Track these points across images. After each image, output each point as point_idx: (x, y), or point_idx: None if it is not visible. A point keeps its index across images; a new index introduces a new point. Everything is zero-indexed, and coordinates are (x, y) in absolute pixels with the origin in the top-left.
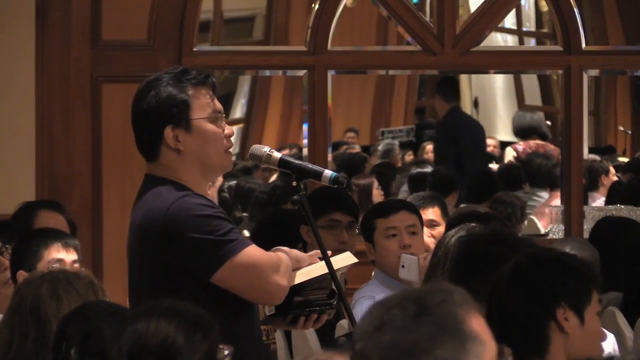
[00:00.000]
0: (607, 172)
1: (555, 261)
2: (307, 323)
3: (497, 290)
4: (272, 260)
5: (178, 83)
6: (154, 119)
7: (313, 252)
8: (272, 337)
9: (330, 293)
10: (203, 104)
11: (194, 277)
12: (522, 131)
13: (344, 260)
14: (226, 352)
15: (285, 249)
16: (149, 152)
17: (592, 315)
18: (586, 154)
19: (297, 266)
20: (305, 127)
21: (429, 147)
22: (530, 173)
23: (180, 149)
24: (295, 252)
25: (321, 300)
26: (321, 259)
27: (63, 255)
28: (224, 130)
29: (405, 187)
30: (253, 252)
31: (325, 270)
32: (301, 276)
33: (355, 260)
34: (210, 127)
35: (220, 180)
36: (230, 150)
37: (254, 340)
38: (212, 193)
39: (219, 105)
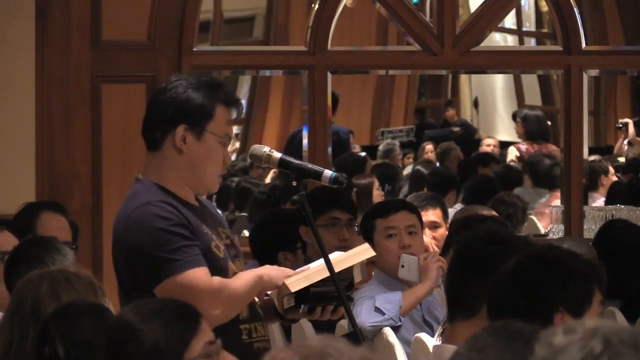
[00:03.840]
0: (606, 172)
1: (556, 263)
2: (324, 314)
3: (498, 290)
4: (213, 287)
5: (213, 93)
6: (173, 111)
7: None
8: (256, 335)
9: (348, 285)
10: (222, 123)
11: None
12: (532, 133)
13: (362, 253)
14: (214, 344)
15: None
16: (154, 139)
17: (592, 317)
18: (586, 154)
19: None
20: (305, 126)
21: (429, 147)
22: (534, 173)
23: (183, 151)
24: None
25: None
26: (326, 259)
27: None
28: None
29: (405, 189)
30: (194, 275)
31: (330, 272)
32: (302, 281)
33: (373, 253)
34: (218, 147)
35: None
36: (222, 175)
37: (232, 340)
38: None
39: (232, 132)
